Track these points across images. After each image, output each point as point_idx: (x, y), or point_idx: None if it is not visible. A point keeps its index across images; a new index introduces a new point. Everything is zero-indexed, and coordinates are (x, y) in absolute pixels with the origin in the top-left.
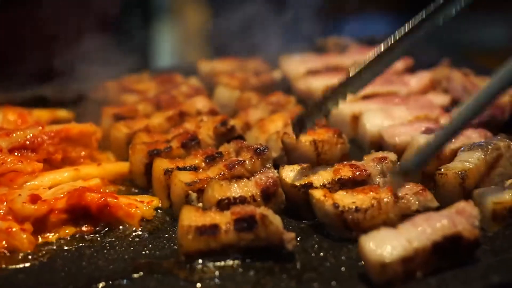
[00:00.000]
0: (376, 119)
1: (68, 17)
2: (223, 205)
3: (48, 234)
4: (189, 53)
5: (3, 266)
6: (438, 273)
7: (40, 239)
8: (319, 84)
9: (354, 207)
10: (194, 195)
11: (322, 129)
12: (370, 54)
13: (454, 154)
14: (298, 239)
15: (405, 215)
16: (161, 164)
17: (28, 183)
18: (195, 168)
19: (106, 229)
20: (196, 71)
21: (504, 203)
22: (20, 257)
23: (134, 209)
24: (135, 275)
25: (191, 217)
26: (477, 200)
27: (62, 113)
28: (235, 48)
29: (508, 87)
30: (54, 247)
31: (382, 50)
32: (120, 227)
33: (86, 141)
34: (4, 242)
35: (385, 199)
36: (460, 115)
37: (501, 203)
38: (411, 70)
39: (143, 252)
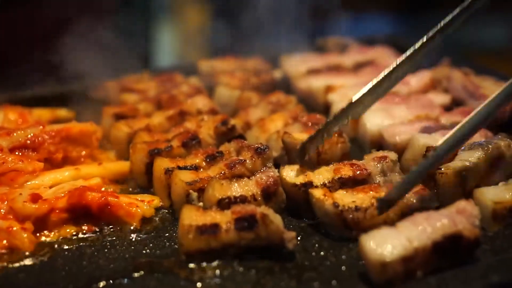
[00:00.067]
0: (377, 118)
1: (68, 17)
2: (224, 204)
3: (48, 233)
4: (189, 53)
5: (4, 265)
6: (438, 272)
7: (41, 238)
8: (319, 83)
9: (354, 206)
10: (194, 195)
11: None
12: (372, 81)
13: (454, 153)
14: (299, 238)
15: (405, 214)
16: (161, 164)
17: (29, 183)
18: (195, 168)
19: (107, 228)
20: (197, 71)
21: (504, 203)
22: (20, 256)
23: (134, 209)
24: (136, 274)
25: (191, 217)
26: (477, 200)
27: (63, 112)
28: (235, 48)
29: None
30: (55, 246)
31: (383, 76)
32: (121, 226)
33: (87, 141)
34: (5, 241)
35: None
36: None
37: (501, 203)
38: None
39: (144, 252)
